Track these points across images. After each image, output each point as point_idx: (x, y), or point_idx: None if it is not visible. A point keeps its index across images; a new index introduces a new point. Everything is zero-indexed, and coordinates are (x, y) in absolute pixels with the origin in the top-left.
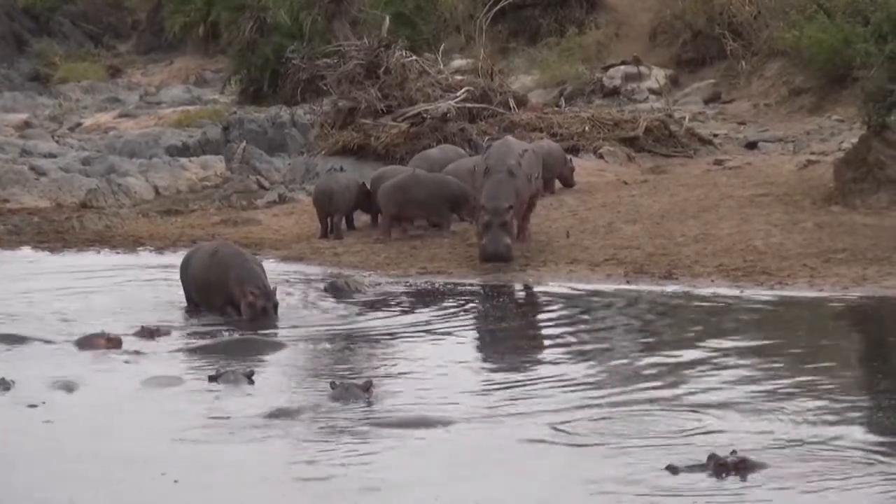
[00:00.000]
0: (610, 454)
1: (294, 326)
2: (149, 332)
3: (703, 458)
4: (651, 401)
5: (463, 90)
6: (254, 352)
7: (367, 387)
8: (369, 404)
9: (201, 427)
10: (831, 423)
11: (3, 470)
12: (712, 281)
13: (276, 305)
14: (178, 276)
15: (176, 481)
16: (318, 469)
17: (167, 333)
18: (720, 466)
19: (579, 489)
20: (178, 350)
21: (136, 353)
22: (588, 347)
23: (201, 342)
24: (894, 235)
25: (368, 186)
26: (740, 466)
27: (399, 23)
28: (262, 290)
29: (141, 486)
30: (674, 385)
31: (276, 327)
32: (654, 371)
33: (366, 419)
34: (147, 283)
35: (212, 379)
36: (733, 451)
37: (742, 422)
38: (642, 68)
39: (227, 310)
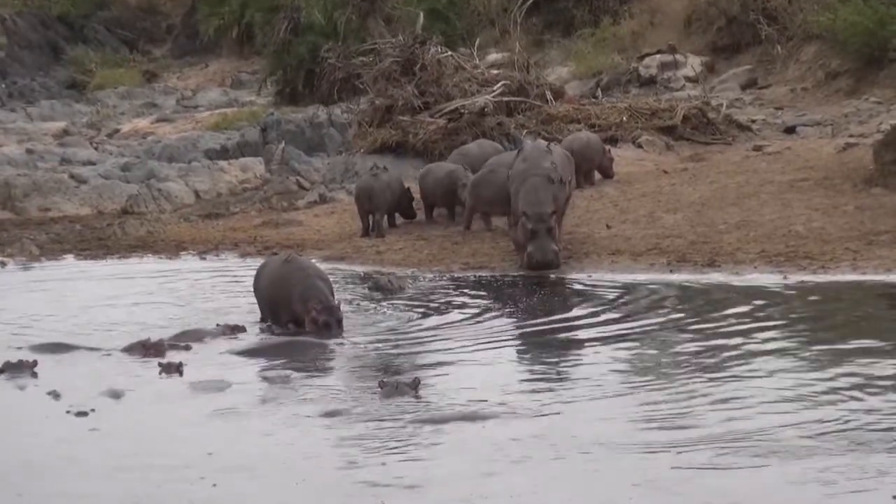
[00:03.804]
0: (654, 454)
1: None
2: (229, 329)
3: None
4: (695, 396)
5: (499, 84)
6: (300, 352)
7: (416, 384)
8: (417, 401)
9: (245, 430)
10: None
11: (49, 478)
12: (755, 267)
13: (339, 321)
14: (221, 279)
15: (214, 485)
16: (363, 468)
17: (243, 330)
18: None
19: (620, 489)
20: (225, 353)
21: (182, 358)
22: (638, 340)
23: (247, 345)
24: None
25: (414, 185)
26: None
27: (433, 18)
28: (324, 305)
29: (180, 491)
30: (728, 381)
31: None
32: (704, 363)
33: (414, 416)
34: (195, 286)
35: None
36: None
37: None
38: (678, 56)
39: (291, 326)
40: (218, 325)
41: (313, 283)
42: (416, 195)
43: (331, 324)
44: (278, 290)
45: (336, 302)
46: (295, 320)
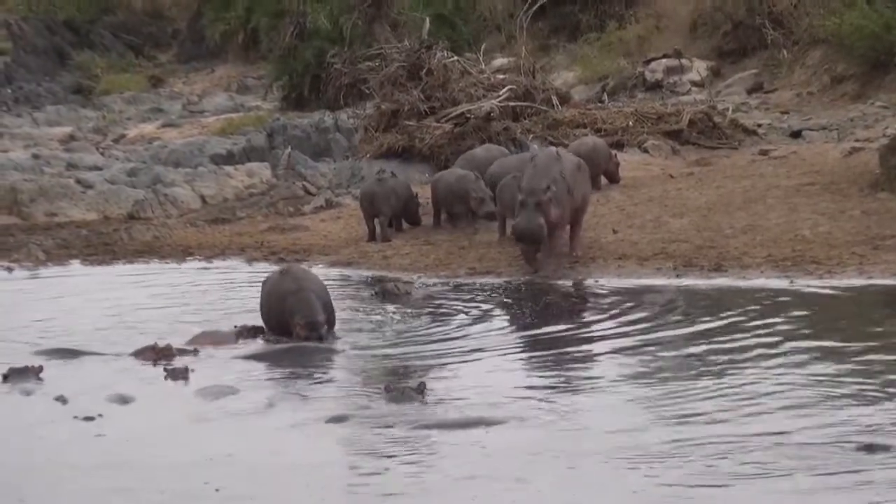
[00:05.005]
0: (658, 462)
1: (345, 331)
2: (248, 331)
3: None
4: (700, 403)
5: (505, 89)
6: (306, 358)
7: (421, 389)
8: (423, 406)
9: (251, 435)
10: None
11: (54, 483)
12: (762, 272)
13: (320, 338)
14: (227, 283)
15: (217, 490)
16: (368, 473)
17: (262, 331)
18: None
19: (622, 497)
20: (232, 359)
21: (190, 363)
22: (645, 347)
23: (254, 350)
24: None
25: (421, 189)
26: None
27: (439, 24)
28: (306, 322)
29: (185, 496)
30: (735, 389)
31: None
32: (711, 371)
33: (420, 421)
34: (203, 291)
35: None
36: None
37: None
38: (684, 61)
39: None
40: (236, 326)
41: (303, 296)
42: (424, 200)
43: (311, 340)
44: (272, 302)
45: (322, 317)
46: (286, 331)
